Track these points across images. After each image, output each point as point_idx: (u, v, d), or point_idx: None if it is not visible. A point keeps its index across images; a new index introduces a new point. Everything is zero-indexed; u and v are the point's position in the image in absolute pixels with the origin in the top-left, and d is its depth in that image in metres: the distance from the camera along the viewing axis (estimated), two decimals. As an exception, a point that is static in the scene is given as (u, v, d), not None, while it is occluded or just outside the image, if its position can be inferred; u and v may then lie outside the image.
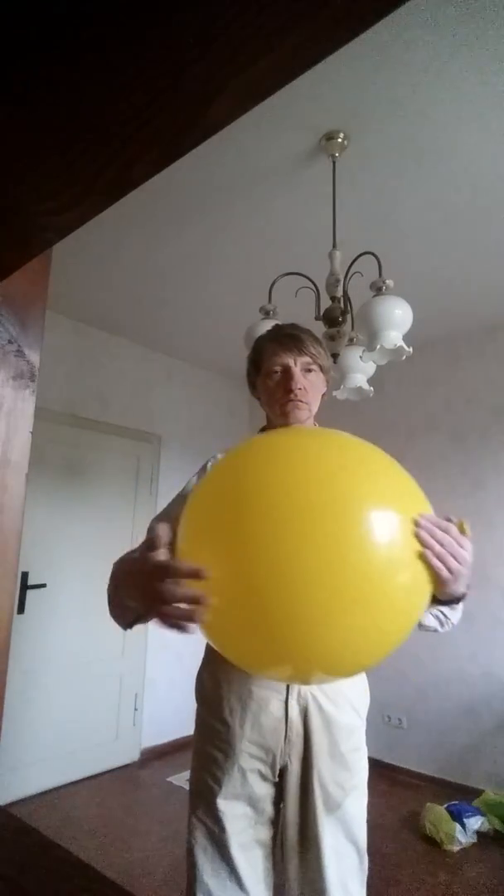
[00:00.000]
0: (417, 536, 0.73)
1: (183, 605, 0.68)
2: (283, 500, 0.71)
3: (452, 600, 0.87)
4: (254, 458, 0.83)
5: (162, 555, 0.73)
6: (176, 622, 0.68)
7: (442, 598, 0.83)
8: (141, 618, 0.87)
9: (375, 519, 0.73)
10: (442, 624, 1.05)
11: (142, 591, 0.73)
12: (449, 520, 0.79)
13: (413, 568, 0.74)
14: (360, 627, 0.73)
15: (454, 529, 0.78)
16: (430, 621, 1.03)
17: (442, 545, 0.74)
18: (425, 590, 0.77)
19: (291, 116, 1.70)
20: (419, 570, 0.75)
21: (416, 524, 0.74)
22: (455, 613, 1.06)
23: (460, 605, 1.02)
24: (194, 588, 0.68)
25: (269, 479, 0.75)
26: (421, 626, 1.00)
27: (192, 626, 0.68)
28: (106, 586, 0.96)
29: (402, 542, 0.73)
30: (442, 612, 1.03)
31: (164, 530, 0.74)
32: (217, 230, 2.31)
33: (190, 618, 0.67)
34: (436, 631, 1.06)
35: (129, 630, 0.94)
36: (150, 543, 0.75)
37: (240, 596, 0.70)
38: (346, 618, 0.71)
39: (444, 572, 0.75)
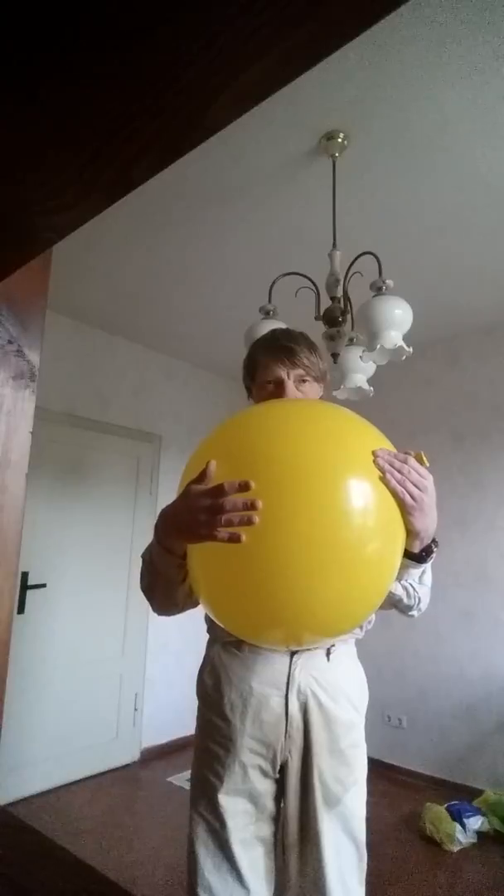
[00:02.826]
0: (376, 464, 0.81)
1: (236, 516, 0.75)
2: (265, 470, 0.79)
3: (422, 555, 0.95)
4: (234, 436, 0.92)
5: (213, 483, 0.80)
6: (234, 531, 0.74)
7: (412, 548, 0.92)
8: (183, 591, 0.94)
9: (351, 486, 0.80)
10: (409, 595, 1.09)
11: (195, 516, 0.78)
12: (407, 452, 0.87)
13: (385, 517, 0.82)
14: (343, 578, 0.80)
15: (412, 459, 0.86)
16: (398, 590, 1.07)
17: (401, 472, 0.82)
18: (399, 534, 0.85)
19: (291, 116, 1.70)
20: (391, 516, 0.83)
21: (374, 454, 0.82)
22: (423, 589, 1.11)
23: (428, 576, 1.10)
24: (248, 495, 0.75)
25: (253, 451, 0.84)
26: (389, 593, 1.05)
27: (244, 536, 0.74)
28: (139, 584, 1.03)
29: (374, 492, 0.81)
30: (410, 585, 1.08)
31: (213, 465, 0.81)
32: (217, 230, 2.31)
33: (250, 521, 0.73)
34: (400, 601, 1.10)
35: (177, 615, 1.02)
36: (199, 476, 0.81)
37: (229, 558, 0.78)
38: (328, 570, 0.79)
39: (407, 498, 0.83)
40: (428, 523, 0.89)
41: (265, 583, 0.80)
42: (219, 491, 0.76)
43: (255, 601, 0.83)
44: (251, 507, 0.74)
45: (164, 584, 0.95)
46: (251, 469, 0.79)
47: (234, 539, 0.74)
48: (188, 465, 0.91)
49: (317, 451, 0.81)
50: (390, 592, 1.03)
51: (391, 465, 0.82)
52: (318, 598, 0.81)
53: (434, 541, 0.96)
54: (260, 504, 0.73)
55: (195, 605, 0.99)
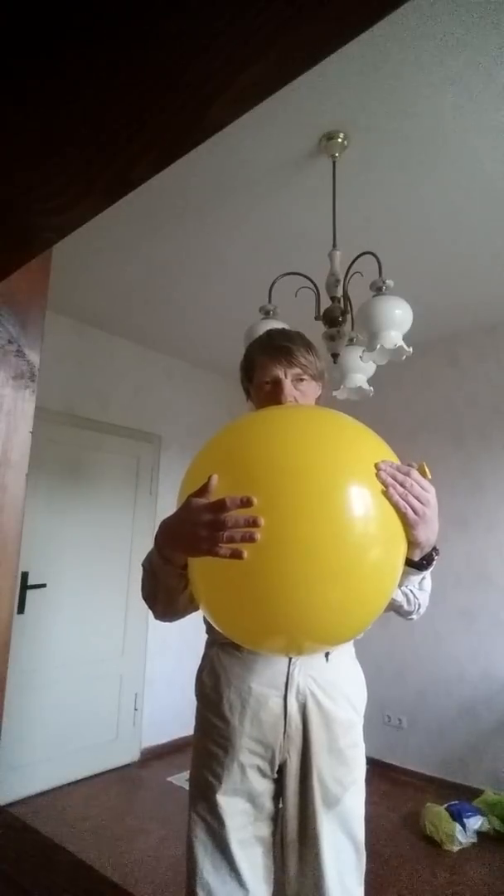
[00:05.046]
0: (379, 478, 0.80)
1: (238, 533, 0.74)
2: (266, 483, 0.78)
3: (423, 563, 0.95)
4: (234, 443, 0.91)
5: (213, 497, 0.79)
6: (236, 548, 0.74)
7: (413, 556, 0.91)
8: (184, 598, 0.94)
9: (353, 499, 0.80)
10: (409, 601, 1.09)
11: (196, 530, 0.78)
12: (410, 465, 0.86)
13: (387, 528, 0.81)
14: (345, 589, 0.80)
15: (415, 472, 0.85)
16: (399, 596, 1.07)
17: (403, 486, 0.82)
18: (400, 545, 0.85)
19: (291, 116, 1.70)
20: (393, 529, 0.82)
21: (377, 467, 0.81)
22: (423, 594, 1.11)
23: (428, 582, 1.10)
24: (249, 512, 0.74)
25: (254, 463, 0.83)
26: (391, 599, 1.04)
27: (245, 552, 0.73)
28: (139, 590, 1.02)
29: (376, 504, 0.80)
30: (411, 591, 1.08)
31: (215, 479, 0.80)
32: (217, 230, 2.31)
33: (251, 537, 0.72)
34: (401, 607, 1.09)
35: (178, 620, 1.01)
36: (200, 490, 0.80)
37: (230, 570, 0.77)
38: (330, 582, 0.79)
39: (410, 512, 0.82)
40: (429, 534, 0.89)
41: (266, 594, 0.80)
42: (220, 506, 0.75)
43: (256, 612, 0.83)
44: (253, 523, 0.73)
45: (165, 593, 0.95)
46: (252, 482, 0.78)
47: (236, 555, 0.73)
48: (188, 475, 0.91)
49: (318, 464, 0.80)
50: (391, 598, 1.03)
51: (394, 478, 0.81)
52: (319, 609, 0.81)
53: (435, 548, 0.96)
54: (262, 521, 0.73)
55: (196, 609, 0.99)
